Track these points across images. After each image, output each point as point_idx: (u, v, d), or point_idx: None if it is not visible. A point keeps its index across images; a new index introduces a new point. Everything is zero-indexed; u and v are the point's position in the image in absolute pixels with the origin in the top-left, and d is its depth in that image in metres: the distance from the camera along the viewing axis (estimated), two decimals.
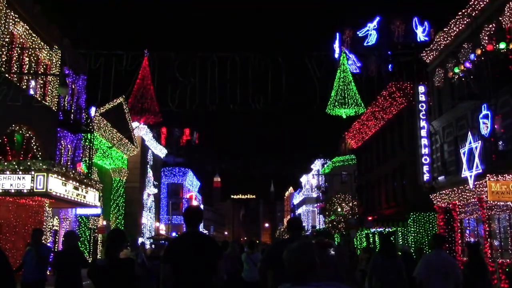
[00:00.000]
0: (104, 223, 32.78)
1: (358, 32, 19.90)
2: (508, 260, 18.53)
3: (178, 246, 5.05)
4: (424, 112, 27.03)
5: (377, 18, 22.07)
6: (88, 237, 29.57)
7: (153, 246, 27.46)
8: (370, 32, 22.89)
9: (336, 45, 20.59)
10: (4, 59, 18.78)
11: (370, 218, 33.64)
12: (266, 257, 5.80)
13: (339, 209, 45.79)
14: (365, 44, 20.04)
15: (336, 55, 18.59)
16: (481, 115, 19.45)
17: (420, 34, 22.93)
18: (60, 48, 23.47)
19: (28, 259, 9.45)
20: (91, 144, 28.19)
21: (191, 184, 72.30)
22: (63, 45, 23.86)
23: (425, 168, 26.57)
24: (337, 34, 20.93)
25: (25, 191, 17.40)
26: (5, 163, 17.63)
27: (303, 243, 3.09)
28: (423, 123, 26.96)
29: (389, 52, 19.53)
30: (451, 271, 6.92)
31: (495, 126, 19.33)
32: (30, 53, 21.22)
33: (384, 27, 20.87)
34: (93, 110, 28.07)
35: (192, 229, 5.12)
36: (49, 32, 22.71)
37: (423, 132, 26.90)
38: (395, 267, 7.70)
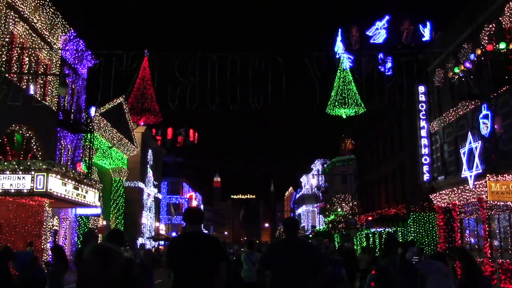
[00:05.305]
0: (104, 223, 32.78)
1: (367, 32, 19.65)
2: (508, 260, 18.53)
3: (178, 246, 5.03)
4: (424, 112, 27.01)
5: (386, 17, 21.76)
6: None
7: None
8: (379, 30, 22.54)
9: (339, 43, 20.34)
10: (4, 59, 18.78)
11: (370, 218, 33.67)
12: (264, 257, 5.80)
13: (339, 209, 45.81)
14: (371, 41, 19.75)
15: (341, 50, 18.42)
16: (481, 115, 19.43)
17: (427, 35, 22.82)
18: (60, 48, 23.46)
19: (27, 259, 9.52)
20: (91, 144, 28.17)
21: (191, 184, 72.34)
22: (63, 44, 23.85)
23: (425, 168, 26.56)
24: (340, 30, 20.72)
25: (25, 191, 17.37)
26: (5, 163, 17.62)
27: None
28: (423, 123, 26.94)
29: (389, 57, 19.38)
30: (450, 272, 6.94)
31: (495, 126, 19.31)
32: (30, 53, 21.21)
33: (393, 26, 20.62)
34: (93, 110, 28.06)
35: (193, 229, 5.10)
36: (50, 31, 22.70)
37: (423, 132, 26.88)
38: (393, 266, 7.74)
